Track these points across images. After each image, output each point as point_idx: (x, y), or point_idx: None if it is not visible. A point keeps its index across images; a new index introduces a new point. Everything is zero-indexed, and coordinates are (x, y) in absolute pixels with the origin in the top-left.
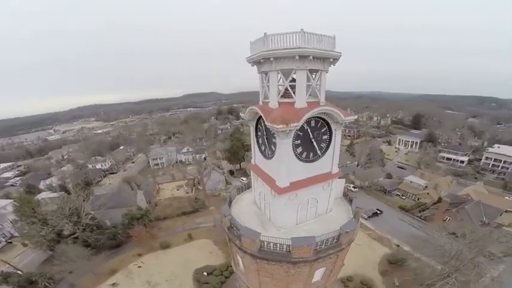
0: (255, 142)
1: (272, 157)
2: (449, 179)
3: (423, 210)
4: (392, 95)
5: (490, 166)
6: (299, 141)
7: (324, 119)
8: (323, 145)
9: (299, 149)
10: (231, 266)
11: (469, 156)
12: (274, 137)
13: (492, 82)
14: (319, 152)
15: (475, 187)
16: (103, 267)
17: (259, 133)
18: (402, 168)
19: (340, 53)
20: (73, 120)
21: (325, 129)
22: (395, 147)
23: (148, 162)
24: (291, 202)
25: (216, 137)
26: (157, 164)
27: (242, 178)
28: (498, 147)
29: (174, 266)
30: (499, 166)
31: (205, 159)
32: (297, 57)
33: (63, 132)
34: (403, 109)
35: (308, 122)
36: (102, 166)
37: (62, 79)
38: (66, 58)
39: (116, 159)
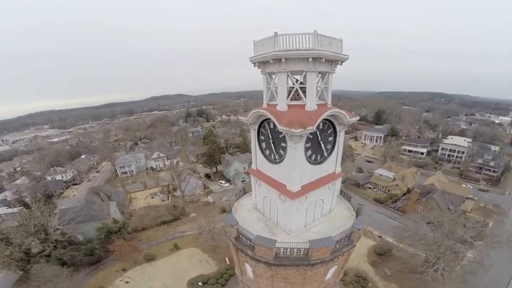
0: (257, 146)
1: (281, 161)
2: (414, 170)
3: (395, 202)
4: (355, 93)
5: (446, 156)
6: (309, 144)
7: (330, 121)
8: (329, 146)
9: (309, 152)
10: (225, 273)
11: (427, 147)
12: (284, 141)
13: (441, 79)
14: (325, 153)
15: (437, 177)
16: (87, 285)
17: (261, 137)
18: (370, 162)
19: (348, 55)
20: (23, 128)
21: (330, 130)
22: (362, 143)
23: (115, 170)
24: (301, 205)
25: (187, 140)
26: (125, 172)
27: (220, 182)
28: (451, 138)
29: (164, 279)
30: (453, 156)
31: (177, 164)
32: (310, 59)
33: (13, 143)
34: (365, 106)
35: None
36: (63, 177)
37: (6, 82)
38: (10, 58)
39: (78, 169)
